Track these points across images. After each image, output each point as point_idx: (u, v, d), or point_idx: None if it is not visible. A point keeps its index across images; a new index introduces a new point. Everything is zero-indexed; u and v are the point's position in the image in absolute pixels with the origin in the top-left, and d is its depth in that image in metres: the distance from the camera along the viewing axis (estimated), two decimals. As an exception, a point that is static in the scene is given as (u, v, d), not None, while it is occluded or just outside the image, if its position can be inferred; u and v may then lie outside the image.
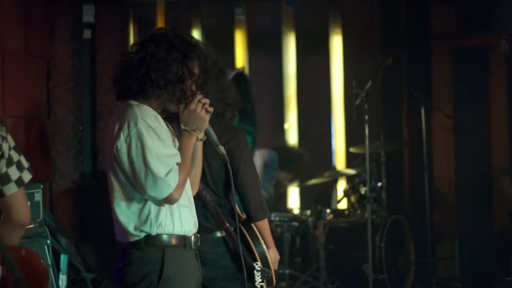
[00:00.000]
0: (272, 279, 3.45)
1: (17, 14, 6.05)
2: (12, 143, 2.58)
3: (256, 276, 3.33)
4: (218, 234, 3.36)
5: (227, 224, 3.35)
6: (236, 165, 3.37)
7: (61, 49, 6.69)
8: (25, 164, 2.61)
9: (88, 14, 6.60)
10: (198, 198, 3.25)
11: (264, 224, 3.52)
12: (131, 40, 6.73)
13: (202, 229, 3.17)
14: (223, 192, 3.44)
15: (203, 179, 3.28)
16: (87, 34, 6.64)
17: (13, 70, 5.86)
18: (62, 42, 6.69)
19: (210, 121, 2.93)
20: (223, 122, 3.40)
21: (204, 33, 6.78)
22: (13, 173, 2.55)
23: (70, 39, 6.70)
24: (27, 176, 2.59)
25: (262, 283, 3.36)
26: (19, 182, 2.56)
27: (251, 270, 3.33)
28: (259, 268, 3.34)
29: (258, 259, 3.39)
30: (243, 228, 3.43)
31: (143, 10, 6.90)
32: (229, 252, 3.38)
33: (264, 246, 3.45)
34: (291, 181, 6.59)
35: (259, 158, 6.25)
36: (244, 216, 3.56)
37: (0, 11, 5.75)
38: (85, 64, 6.68)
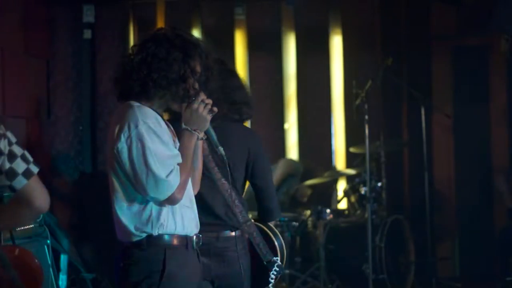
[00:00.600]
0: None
1: (17, 14, 6.05)
2: (14, 139, 2.55)
3: (274, 272, 3.34)
4: (240, 232, 3.36)
5: (251, 221, 3.37)
6: (260, 165, 3.40)
7: (61, 49, 6.69)
8: (30, 158, 2.59)
9: (88, 14, 6.60)
10: (222, 196, 3.28)
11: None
12: (131, 40, 6.72)
13: (227, 227, 3.23)
14: (243, 190, 3.47)
15: (227, 178, 3.29)
16: (87, 34, 6.64)
17: (13, 70, 5.86)
18: (62, 42, 6.70)
19: (214, 122, 2.93)
20: (240, 124, 3.43)
21: (204, 33, 6.77)
22: (18, 166, 2.50)
23: (70, 39, 6.71)
24: (35, 169, 2.56)
25: (274, 279, 3.37)
26: (27, 173, 2.50)
27: (272, 265, 3.33)
28: (280, 263, 3.35)
29: (279, 253, 3.40)
30: (261, 224, 3.45)
31: (143, 10, 6.89)
32: (249, 249, 3.38)
33: (282, 240, 3.47)
34: (307, 199, 6.56)
35: (284, 165, 6.25)
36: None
37: (0, 11, 5.75)
38: (85, 64, 6.67)
